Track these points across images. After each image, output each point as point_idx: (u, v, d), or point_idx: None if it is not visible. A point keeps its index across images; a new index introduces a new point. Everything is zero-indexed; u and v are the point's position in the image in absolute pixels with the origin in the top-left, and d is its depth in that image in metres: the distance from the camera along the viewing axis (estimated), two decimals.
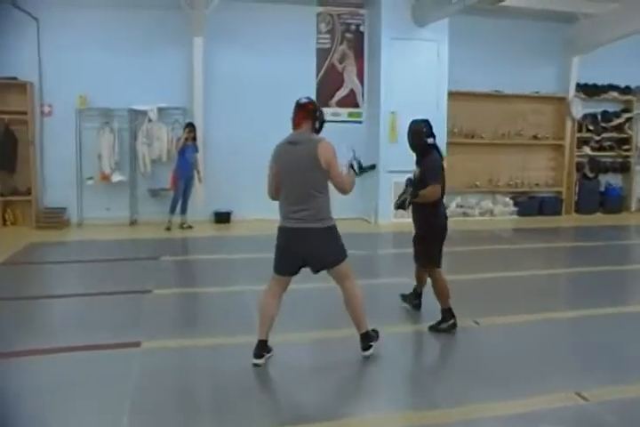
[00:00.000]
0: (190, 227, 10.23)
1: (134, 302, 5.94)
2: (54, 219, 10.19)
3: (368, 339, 4.27)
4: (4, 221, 10.31)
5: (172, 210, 10.13)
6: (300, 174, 4.04)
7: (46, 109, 10.39)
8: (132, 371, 4.09)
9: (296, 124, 4.14)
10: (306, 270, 4.23)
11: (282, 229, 4.15)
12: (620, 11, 10.70)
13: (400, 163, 10.94)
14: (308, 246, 4.07)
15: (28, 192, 10.28)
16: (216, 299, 6.03)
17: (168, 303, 6.02)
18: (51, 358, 4.38)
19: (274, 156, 4.14)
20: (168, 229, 10.06)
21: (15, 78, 10.08)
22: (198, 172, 10.32)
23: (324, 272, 4.23)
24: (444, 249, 5.01)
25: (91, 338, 4.75)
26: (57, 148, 10.36)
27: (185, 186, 10.16)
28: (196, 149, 10.26)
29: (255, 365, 4.09)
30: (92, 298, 6.06)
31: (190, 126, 10.18)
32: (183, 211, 10.28)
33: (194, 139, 10.20)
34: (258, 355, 4.13)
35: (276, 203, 4.22)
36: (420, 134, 4.97)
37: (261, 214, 10.13)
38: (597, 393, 3.78)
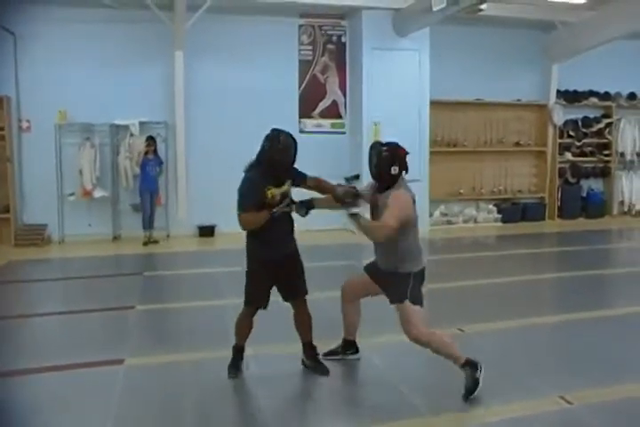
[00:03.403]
0: (156, 242, 10.16)
1: (117, 318, 5.87)
2: (34, 236, 10.04)
3: None
4: None
5: (145, 226, 10.13)
6: None
7: (24, 125, 10.29)
8: (116, 388, 4.03)
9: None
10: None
11: (422, 270, 4.07)
12: (597, 18, 10.83)
13: None
14: None
15: (7, 210, 10.11)
16: (199, 313, 5.96)
17: (151, 319, 5.97)
18: (33, 379, 4.31)
19: (413, 202, 3.99)
20: (145, 244, 10.02)
21: None
22: (156, 191, 10.27)
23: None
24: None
25: (73, 357, 4.67)
26: (36, 164, 10.24)
27: (150, 200, 10.13)
28: (158, 163, 10.25)
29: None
30: (74, 316, 5.98)
31: (150, 140, 10.16)
32: (150, 225, 10.22)
33: (154, 152, 10.19)
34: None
35: None
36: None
37: None
38: (581, 396, 3.80)
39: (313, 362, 4.31)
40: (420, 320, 3.93)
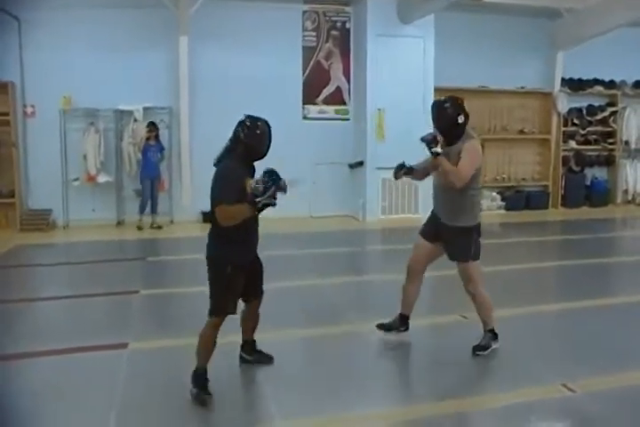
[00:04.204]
0: (160, 227, 10.21)
1: (121, 302, 5.91)
2: (39, 221, 10.09)
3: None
4: None
5: (142, 210, 10.19)
6: None
7: (29, 110, 10.28)
8: (120, 372, 4.07)
9: None
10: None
11: (480, 224, 4.36)
12: (602, 5, 10.73)
13: (387, 160, 10.99)
14: None
15: (12, 195, 10.15)
16: (203, 298, 5.94)
17: (155, 304, 6.01)
18: (38, 362, 4.35)
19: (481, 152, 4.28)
20: (139, 228, 10.09)
21: None
22: (158, 178, 10.31)
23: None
24: None
25: (78, 340, 4.72)
26: (41, 149, 10.25)
27: (151, 186, 10.17)
28: (160, 149, 10.26)
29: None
30: (79, 300, 6.02)
31: (151, 125, 10.17)
32: (154, 211, 10.29)
33: (156, 138, 10.21)
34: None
35: None
36: None
37: None
38: (584, 384, 3.82)
39: (257, 355, 4.19)
40: (480, 276, 4.34)
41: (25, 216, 10.17)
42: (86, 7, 10.09)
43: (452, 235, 4.27)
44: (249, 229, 3.76)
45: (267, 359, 4.19)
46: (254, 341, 4.22)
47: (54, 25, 10.11)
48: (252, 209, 3.54)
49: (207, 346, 3.71)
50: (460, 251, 4.27)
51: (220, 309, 3.72)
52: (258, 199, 3.51)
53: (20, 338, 4.86)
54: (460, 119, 4.15)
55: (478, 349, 4.34)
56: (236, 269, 3.70)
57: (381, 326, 4.62)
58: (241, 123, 3.75)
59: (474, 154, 4.14)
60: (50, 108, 10.07)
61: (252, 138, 3.69)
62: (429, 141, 4.10)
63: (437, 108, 4.21)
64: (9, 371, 4.19)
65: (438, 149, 4.08)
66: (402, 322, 4.62)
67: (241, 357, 4.22)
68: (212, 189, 3.70)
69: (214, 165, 3.79)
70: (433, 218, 4.44)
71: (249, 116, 3.77)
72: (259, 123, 3.73)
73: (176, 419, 3.48)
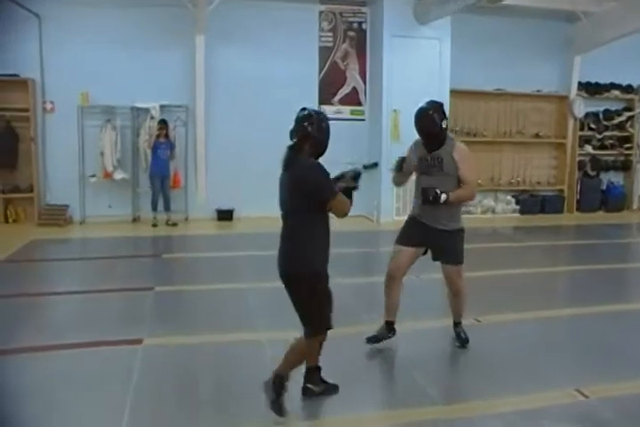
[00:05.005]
0: (175, 224, 10.27)
1: (136, 299, 5.97)
2: (56, 216, 10.20)
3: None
4: (6, 218, 10.32)
5: (154, 207, 10.26)
6: None
7: (48, 106, 10.39)
8: (134, 368, 4.12)
9: None
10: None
11: None
12: (620, 9, 10.65)
13: None
14: None
15: (30, 189, 10.28)
16: (217, 296, 6.03)
17: (170, 300, 6.05)
18: (53, 355, 4.41)
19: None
20: (154, 225, 10.18)
21: (17, 75, 10.08)
22: (168, 175, 10.36)
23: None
24: None
25: (93, 335, 4.77)
26: (59, 145, 10.36)
27: (161, 183, 10.24)
28: (169, 146, 10.30)
29: None
30: (94, 295, 6.09)
31: (162, 123, 10.24)
32: (167, 208, 10.35)
33: (166, 136, 10.26)
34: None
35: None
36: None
37: (264, 212, 10.12)
38: (597, 390, 3.81)
39: (324, 385, 3.76)
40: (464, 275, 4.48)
41: (43, 211, 10.29)
42: (106, 5, 10.20)
43: (448, 238, 4.34)
44: (329, 233, 3.66)
45: (334, 391, 3.77)
46: (319, 367, 3.77)
47: (74, 22, 10.22)
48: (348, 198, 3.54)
49: (300, 361, 3.59)
50: (458, 253, 4.41)
51: (325, 325, 3.54)
52: (355, 184, 3.57)
53: (35, 332, 4.92)
54: (444, 124, 4.27)
55: (466, 341, 4.57)
56: (327, 280, 3.59)
57: (371, 340, 4.56)
58: (307, 117, 3.46)
59: (470, 160, 4.26)
60: (68, 104, 10.18)
61: (321, 132, 3.46)
62: (435, 198, 4.17)
63: (423, 116, 4.30)
64: (24, 364, 4.24)
65: (443, 197, 4.17)
66: (389, 329, 4.60)
67: (305, 389, 3.73)
68: (315, 186, 3.39)
69: (285, 167, 3.49)
70: (415, 226, 4.46)
71: (313, 110, 3.54)
72: (322, 116, 3.54)
73: (188, 414, 3.51)
